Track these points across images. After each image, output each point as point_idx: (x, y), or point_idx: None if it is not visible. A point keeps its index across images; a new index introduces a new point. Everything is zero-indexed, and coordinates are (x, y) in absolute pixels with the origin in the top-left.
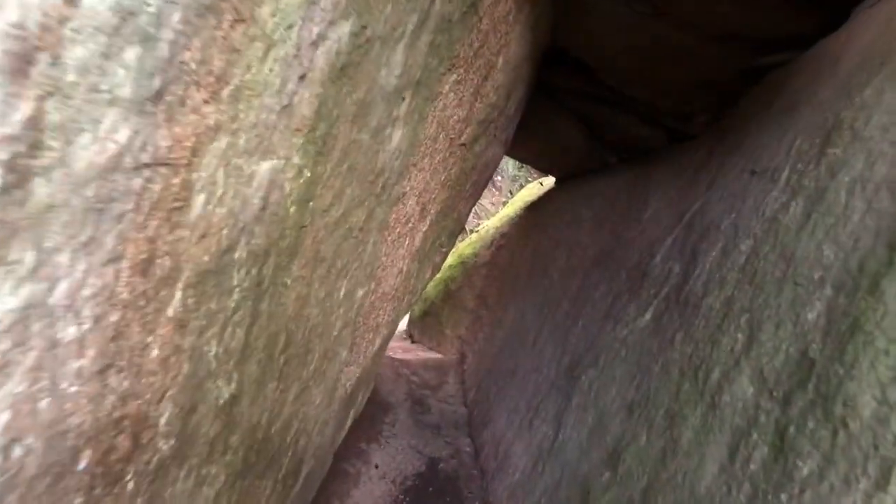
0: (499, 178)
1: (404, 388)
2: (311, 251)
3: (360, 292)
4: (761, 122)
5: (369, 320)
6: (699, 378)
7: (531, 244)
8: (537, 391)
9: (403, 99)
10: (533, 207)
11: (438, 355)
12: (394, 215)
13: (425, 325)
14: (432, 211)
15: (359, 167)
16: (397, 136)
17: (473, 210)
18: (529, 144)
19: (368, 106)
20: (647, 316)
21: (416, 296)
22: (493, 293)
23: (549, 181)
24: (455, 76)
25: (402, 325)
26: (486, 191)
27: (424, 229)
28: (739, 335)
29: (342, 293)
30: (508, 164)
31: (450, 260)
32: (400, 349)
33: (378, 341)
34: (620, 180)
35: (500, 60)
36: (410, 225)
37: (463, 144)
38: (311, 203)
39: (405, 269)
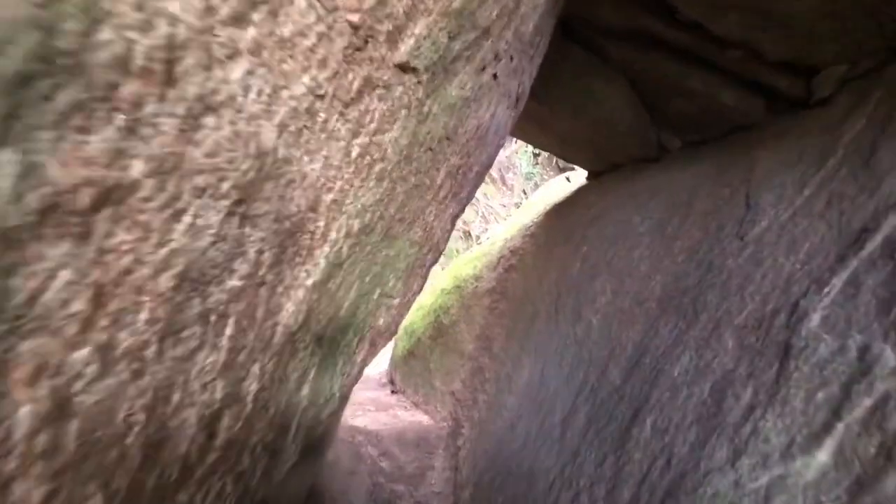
0: (510, 174)
1: (366, 481)
2: None
3: None
4: None
5: None
6: None
7: (555, 266)
8: None
9: None
10: (557, 213)
11: (424, 417)
12: None
13: (410, 370)
14: (334, 226)
15: None
16: None
17: (479, 211)
18: (550, 122)
19: None
20: (823, 454)
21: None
22: (501, 335)
23: (579, 176)
24: None
25: (383, 364)
26: (494, 189)
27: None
28: None
29: None
30: (521, 158)
31: (444, 281)
32: (373, 405)
33: None
34: (695, 174)
35: None
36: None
37: (406, 66)
38: None
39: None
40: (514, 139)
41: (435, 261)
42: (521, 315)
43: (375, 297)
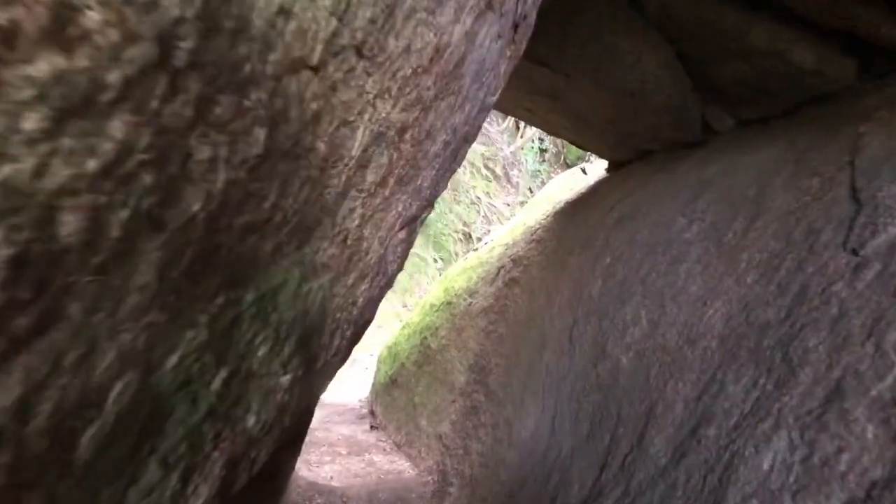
0: (515, 171)
1: None
2: None
3: None
4: None
5: None
6: None
7: (569, 282)
8: None
9: None
10: (570, 213)
11: (406, 464)
12: None
13: (392, 402)
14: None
15: None
16: None
17: (480, 211)
18: (565, 94)
19: None
20: None
21: None
22: (499, 367)
23: (597, 167)
24: None
25: (363, 392)
26: (497, 187)
27: None
28: None
29: None
30: (527, 154)
31: (434, 295)
32: (345, 446)
33: None
34: (763, 160)
35: None
36: None
37: None
38: None
39: None
40: (521, 128)
41: (381, 295)
42: (526, 343)
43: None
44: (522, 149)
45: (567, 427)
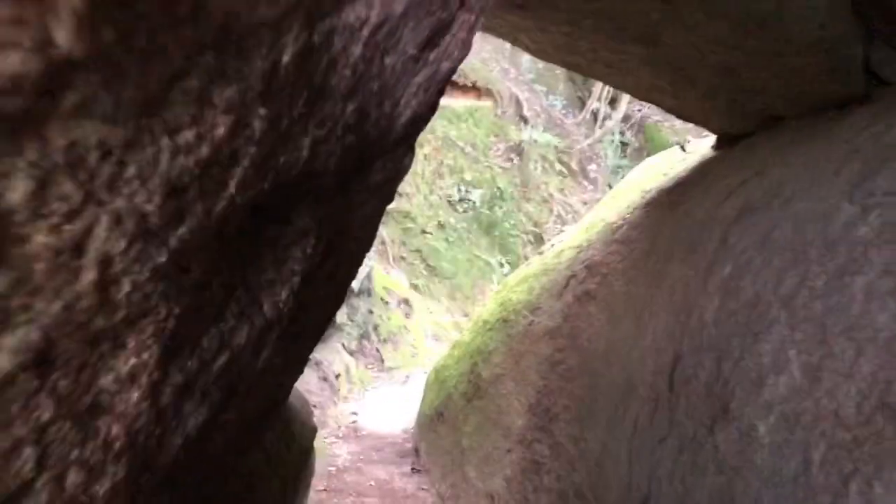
0: (593, 166)
1: None
2: None
3: None
4: None
5: None
6: None
7: (667, 301)
8: None
9: None
10: (667, 204)
11: None
12: None
13: (437, 440)
14: None
15: None
16: None
17: (553, 210)
18: (662, 33)
19: None
20: None
21: None
22: (570, 410)
23: (701, 144)
24: None
25: (409, 421)
26: (573, 182)
27: None
28: None
29: None
30: (607, 147)
31: (487, 309)
32: (378, 496)
33: None
34: None
35: None
36: None
37: None
38: None
39: None
40: (599, 118)
41: None
42: (604, 384)
43: None
44: (601, 141)
45: None
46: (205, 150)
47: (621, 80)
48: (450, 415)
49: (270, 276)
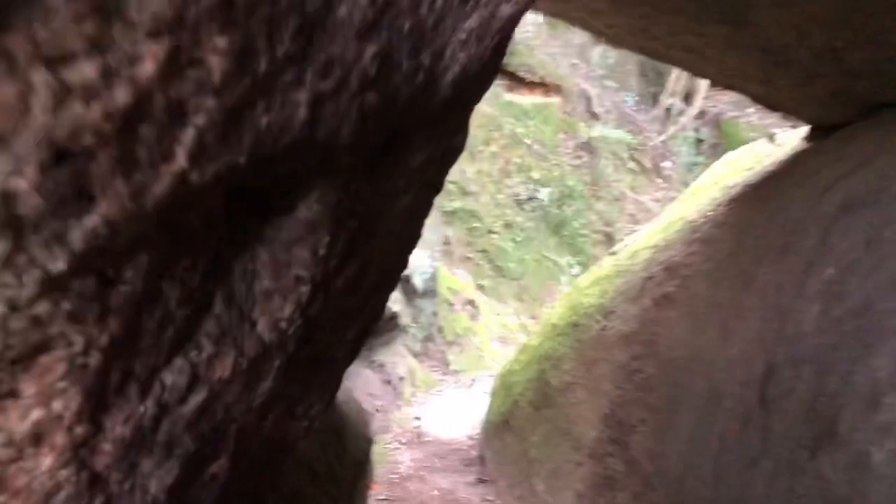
0: (666, 163)
1: None
2: None
3: None
4: None
5: None
6: None
7: (756, 307)
8: None
9: None
10: (755, 199)
11: None
12: None
13: (504, 449)
14: None
15: None
16: None
17: (624, 209)
18: (750, 20)
19: None
20: None
21: None
22: (647, 423)
23: (790, 136)
24: None
25: (474, 427)
26: (645, 180)
27: None
28: None
29: None
30: (682, 143)
31: (556, 312)
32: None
33: None
34: None
35: None
36: None
37: None
38: None
39: None
40: (673, 114)
41: None
42: (686, 396)
43: None
44: (675, 138)
45: None
46: (121, 96)
47: (702, 67)
48: (516, 424)
49: (267, 286)
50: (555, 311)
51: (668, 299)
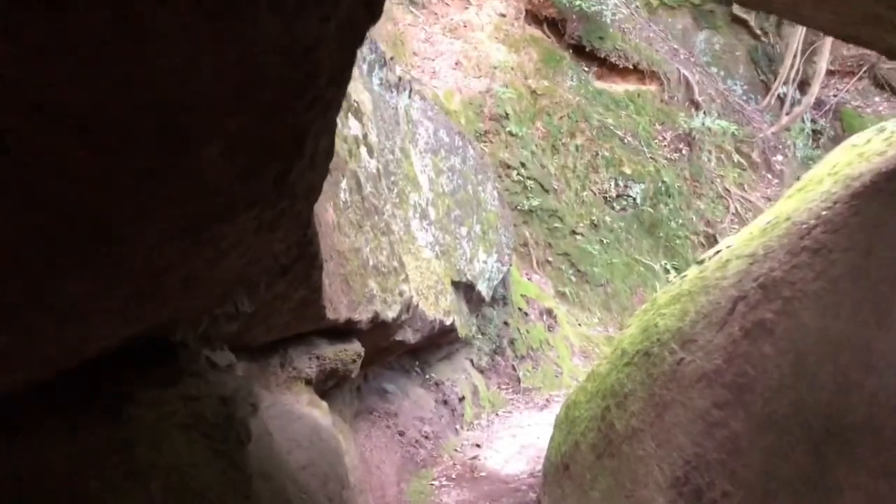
0: (778, 157)
1: None
2: None
3: None
4: None
5: None
6: None
7: (891, 350)
8: None
9: None
10: (885, 196)
11: None
12: None
13: (563, 496)
14: None
15: None
16: None
17: (729, 207)
18: None
19: None
20: None
21: None
22: (732, 498)
23: None
24: None
25: (538, 460)
26: (754, 176)
27: None
28: None
29: None
30: (796, 136)
31: (627, 334)
32: None
33: None
34: None
35: None
36: None
37: None
38: None
39: None
40: (786, 104)
41: None
42: (790, 461)
43: None
44: (788, 130)
45: None
46: None
47: (814, 14)
48: (576, 470)
49: None
50: (627, 332)
51: (764, 329)
